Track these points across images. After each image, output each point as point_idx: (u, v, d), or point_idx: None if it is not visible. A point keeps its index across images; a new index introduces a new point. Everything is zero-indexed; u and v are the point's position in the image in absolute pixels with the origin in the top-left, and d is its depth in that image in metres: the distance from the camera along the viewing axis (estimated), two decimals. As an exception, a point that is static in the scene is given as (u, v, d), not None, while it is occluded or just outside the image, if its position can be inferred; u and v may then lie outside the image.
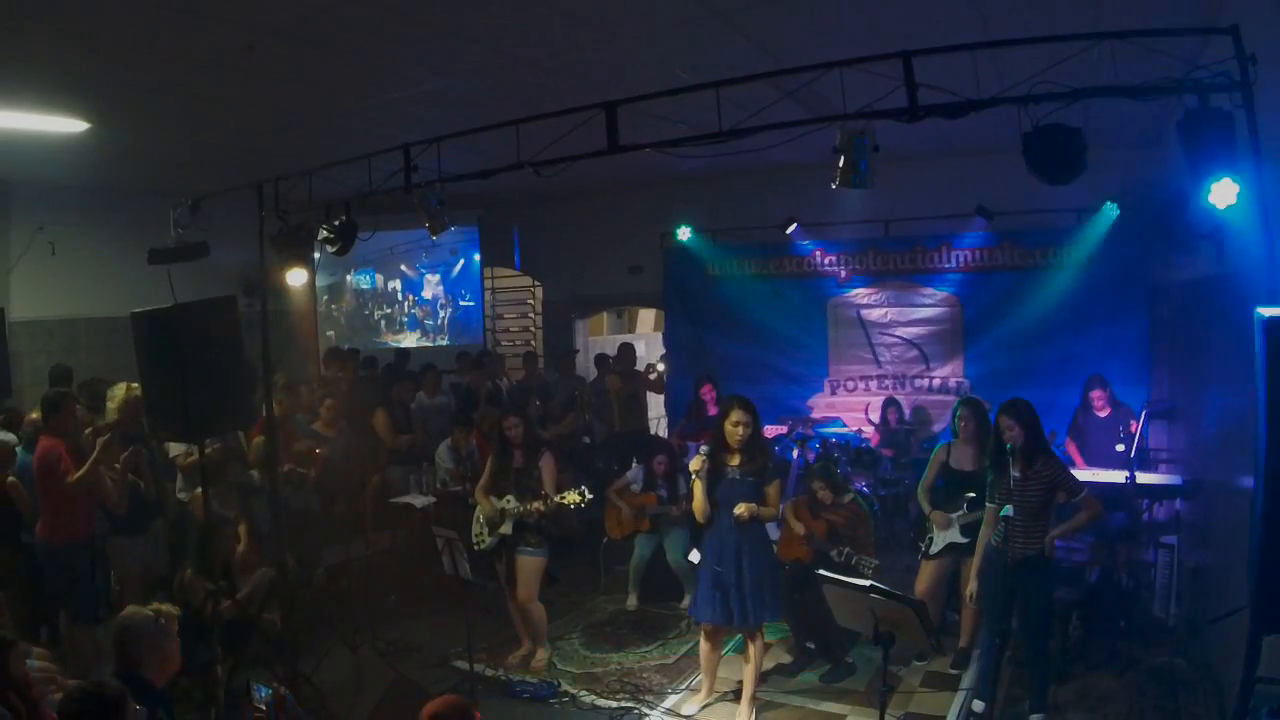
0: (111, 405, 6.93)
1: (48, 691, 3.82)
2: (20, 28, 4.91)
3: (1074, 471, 6.00)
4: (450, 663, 6.71)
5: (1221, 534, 5.79)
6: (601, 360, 11.63)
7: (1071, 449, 7.98)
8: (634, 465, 8.30)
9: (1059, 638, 6.13)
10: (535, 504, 6.31)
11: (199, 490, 6.28)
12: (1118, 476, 6.76)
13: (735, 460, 5.56)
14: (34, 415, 7.18)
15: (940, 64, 4.04)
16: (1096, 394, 7.94)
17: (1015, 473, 5.24)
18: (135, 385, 6.79)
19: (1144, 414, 7.42)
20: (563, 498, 6.26)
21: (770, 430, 8.97)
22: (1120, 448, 7.46)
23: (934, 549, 6.27)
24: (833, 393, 10.40)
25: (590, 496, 6.37)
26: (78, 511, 6.13)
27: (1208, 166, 3.59)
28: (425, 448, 9.32)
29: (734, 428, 5.51)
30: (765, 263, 10.64)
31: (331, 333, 13.21)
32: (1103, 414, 7.90)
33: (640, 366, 11.20)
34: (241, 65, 5.77)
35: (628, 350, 10.98)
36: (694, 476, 5.57)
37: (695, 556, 6.46)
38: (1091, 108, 3.88)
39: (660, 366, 11.05)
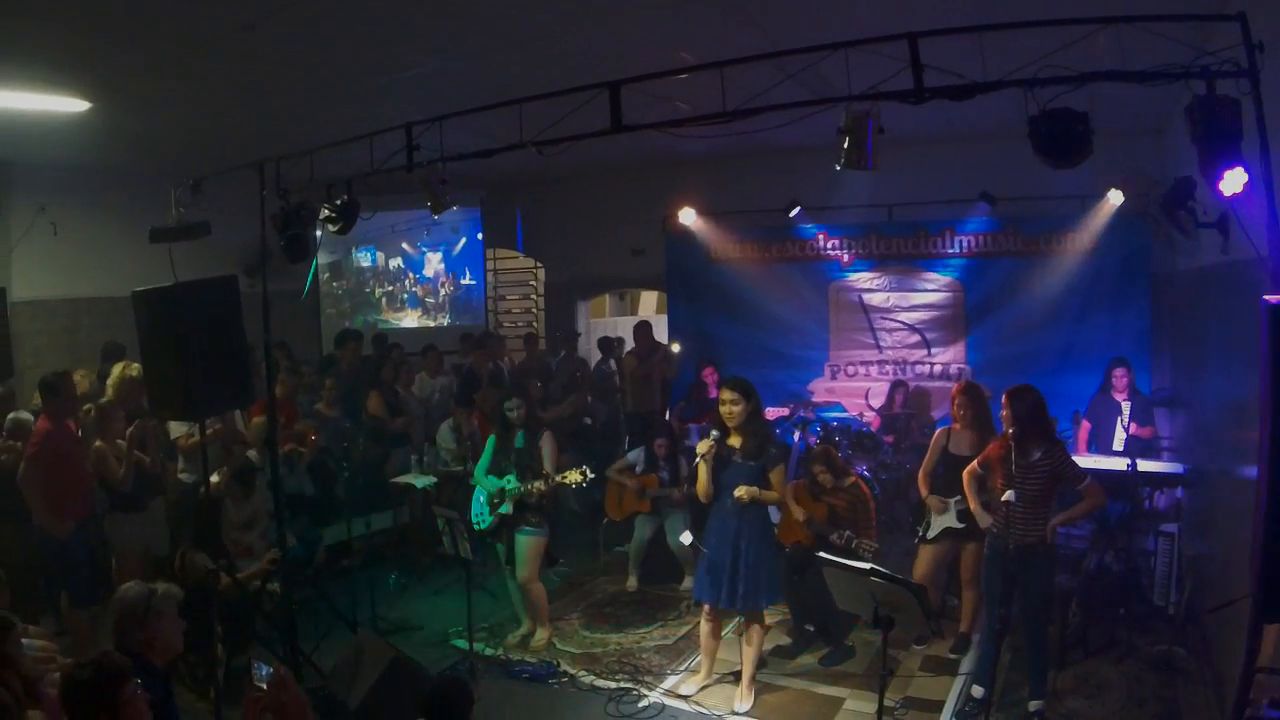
0: (109, 384, 6.93)
1: (46, 672, 3.82)
2: (21, 6, 4.87)
3: (1077, 458, 5.98)
4: (450, 642, 6.75)
5: (1223, 523, 5.78)
6: (605, 343, 11.60)
7: (1084, 431, 7.97)
8: (628, 447, 8.29)
9: (1059, 625, 6.15)
10: (537, 484, 6.32)
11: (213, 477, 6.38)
12: (1119, 464, 6.75)
13: (736, 443, 5.56)
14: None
15: (946, 46, 4.01)
16: (1119, 372, 7.86)
17: (1016, 459, 5.22)
18: (134, 365, 6.78)
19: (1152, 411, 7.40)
20: (564, 477, 6.27)
21: (771, 413, 8.95)
22: (1121, 436, 7.47)
23: (931, 534, 6.27)
24: (833, 377, 10.39)
25: (592, 476, 6.38)
26: (75, 493, 6.13)
27: (1214, 153, 3.57)
28: (413, 432, 9.38)
29: (723, 407, 5.52)
30: (767, 246, 10.60)
31: (332, 310, 13.19)
32: (1120, 398, 7.84)
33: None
34: (243, 45, 5.73)
35: (644, 330, 10.80)
36: (699, 459, 5.55)
37: (687, 538, 6.49)
38: (1097, 93, 3.85)
39: (675, 349, 10.99)
